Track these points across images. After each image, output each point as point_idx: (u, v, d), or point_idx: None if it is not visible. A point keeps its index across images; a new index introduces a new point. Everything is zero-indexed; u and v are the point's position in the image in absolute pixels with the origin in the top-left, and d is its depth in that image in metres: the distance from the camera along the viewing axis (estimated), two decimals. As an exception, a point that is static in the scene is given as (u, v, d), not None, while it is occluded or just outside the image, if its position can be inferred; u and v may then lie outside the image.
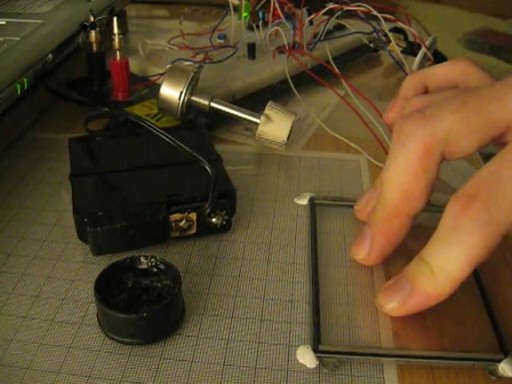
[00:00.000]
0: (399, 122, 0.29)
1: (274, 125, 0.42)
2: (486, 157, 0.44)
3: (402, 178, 0.28)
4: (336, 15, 0.56)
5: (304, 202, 0.38)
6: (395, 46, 0.57)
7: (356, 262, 0.33)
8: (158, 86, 0.44)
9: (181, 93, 0.43)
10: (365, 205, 0.35)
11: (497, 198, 0.25)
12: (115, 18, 0.48)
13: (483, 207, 0.25)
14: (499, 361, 0.27)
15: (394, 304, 0.28)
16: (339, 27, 0.59)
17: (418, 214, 0.30)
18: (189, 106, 0.44)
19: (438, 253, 0.27)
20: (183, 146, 0.36)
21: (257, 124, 0.43)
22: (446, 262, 0.26)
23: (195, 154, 0.36)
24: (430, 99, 0.32)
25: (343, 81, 0.47)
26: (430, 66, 0.58)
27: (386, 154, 0.41)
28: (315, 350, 0.27)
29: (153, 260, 0.30)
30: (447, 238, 0.26)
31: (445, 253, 0.26)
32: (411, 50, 0.59)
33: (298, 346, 0.28)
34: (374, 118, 0.44)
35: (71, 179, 0.36)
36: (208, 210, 0.33)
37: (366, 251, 0.31)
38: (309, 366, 0.27)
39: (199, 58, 0.52)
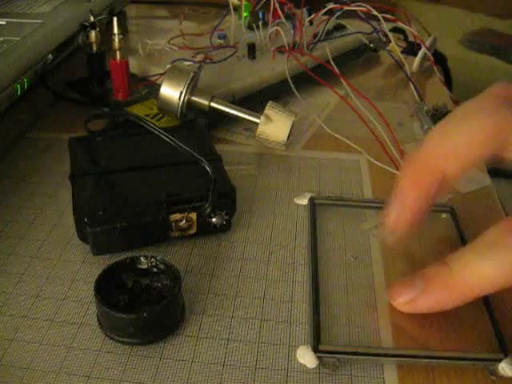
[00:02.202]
0: None
1: (274, 125, 0.42)
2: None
3: (456, 137, 0.27)
4: (336, 15, 0.56)
5: (304, 201, 0.38)
6: (395, 46, 0.57)
7: (356, 262, 0.33)
8: (158, 86, 0.44)
9: (181, 93, 0.43)
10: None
11: None
12: (115, 18, 0.48)
13: None
14: (499, 361, 0.27)
15: (402, 299, 0.28)
16: (339, 27, 0.59)
17: (449, 180, 0.28)
18: (189, 106, 0.44)
19: (466, 261, 0.26)
20: (183, 146, 0.36)
21: (257, 124, 0.43)
22: (470, 272, 0.26)
23: (195, 154, 0.36)
24: None
25: (343, 81, 0.47)
26: (429, 66, 0.58)
27: (386, 153, 0.41)
28: (315, 349, 0.27)
29: (153, 260, 0.30)
30: (483, 251, 0.26)
31: (473, 263, 0.26)
32: (411, 50, 0.60)
33: (298, 346, 0.28)
34: (374, 118, 0.44)
35: (71, 179, 0.36)
36: (208, 210, 0.33)
37: (395, 211, 0.29)
38: (309, 366, 0.27)
39: (199, 58, 0.52)
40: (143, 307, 0.28)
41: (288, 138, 0.42)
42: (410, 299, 0.28)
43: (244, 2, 0.61)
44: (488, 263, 0.25)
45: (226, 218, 0.34)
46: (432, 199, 0.29)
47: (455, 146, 0.27)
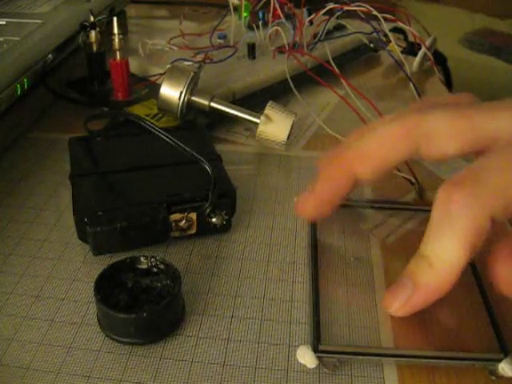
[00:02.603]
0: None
1: (274, 125, 0.42)
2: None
3: (367, 139, 0.30)
4: (336, 15, 0.56)
5: (304, 201, 0.38)
6: (395, 46, 0.57)
7: (356, 262, 0.33)
8: (158, 86, 0.44)
9: (181, 93, 0.43)
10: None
11: (483, 184, 0.25)
12: (115, 18, 0.48)
13: (470, 192, 0.25)
14: (499, 361, 0.26)
15: (398, 303, 0.28)
16: (339, 27, 0.59)
17: (362, 179, 0.30)
18: (189, 106, 0.44)
19: (433, 244, 0.27)
20: (183, 146, 0.36)
21: (257, 124, 0.43)
22: (442, 251, 0.26)
23: (195, 154, 0.36)
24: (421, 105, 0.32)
25: (343, 81, 0.47)
26: (429, 66, 0.58)
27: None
28: (315, 349, 0.27)
29: (153, 260, 0.30)
30: (439, 227, 0.26)
31: (439, 242, 0.26)
32: (411, 49, 0.60)
33: (298, 346, 0.28)
34: (374, 118, 0.44)
35: (71, 179, 0.36)
36: (208, 210, 0.33)
37: (309, 200, 0.32)
38: (309, 366, 0.27)
39: (199, 58, 0.52)
40: (143, 307, 0.28)
41: (288, 138, 0.42)
42: (405, 301, 0.28)
43: (244, 2, 0.61)
44: (450, 238, 0.26)
45: (226, 218, 0.34)
46: (342, 194, 0.31)
47: (366, 149, 0.30)
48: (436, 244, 0.27)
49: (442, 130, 0.28)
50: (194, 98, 0.44)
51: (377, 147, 0.29)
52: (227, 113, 0.44)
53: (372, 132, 0.30)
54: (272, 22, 0.56)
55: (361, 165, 0.30)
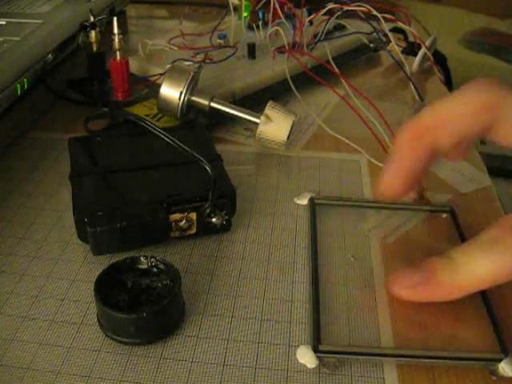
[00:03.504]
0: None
1: (274, 125, 0.42)
2: (487, 157, 0.45)
3: (445, 109, 0.29)
4: (336, 15, 0.56)
5: (304, 201, 0.38)
6: (395, 46, 0.57)
7: (356, 262, 0.33)
8: (158, 86, 0.44)
9: (181, 93, 0.43)
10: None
11: None
12: (115, 18, 0.48)
13: None
14: (499, 361, 0.27)
15: (404, 283, 0.29)
16: (339, 27, 0.59)
17: (438, 151, 0.29)
18: (189, 106, 0.44)
19: (470, 255, 0.27)
20: (183, 146, 0.36)
21: (257, 124, 0.43)
22: (474, 264, 0.26)
23: (195, 154, 0.36)
24: None
25: (343, 81, 0.47)
26: (429, 66, 0.58)
27: (386, 153, 0.41)
28: (315, 349, 0.27)
29: (153, 260, 0.30)
30: (486, 246, 0.26)
31: (477, 256, 0.26)
32: (411, 49, 0.59)
33: (298, 346, 0.28)
34: (374, 118, 0.44)
35: (71, 179, 0.36)
36: (208, 210, 0.33)
37: (390, 177, 0.30)
38: (309, 365, 0.27)
39: (199, 58, 0.52)
40: (143, 307, 0.28)
41: (288, 137, 0.42)
42: (411, 285, 0.28)
43: (244, 2, 0.61)
44: (491, 259, 0.26)
45: (226, 218, 0.34)
46: (424, 168, 0.30)
47: (449, 115, 0.28)
48: (473, 256, 0.27)
49: None
50: (194, 98, 0.44)
51: (460, 115, 0.28)
52: (227, 113, 0.44)
53: (453, 100, 0.29)
54: (272, 22, 0.56)
55: (444, 134, 0.29)
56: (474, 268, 0.26)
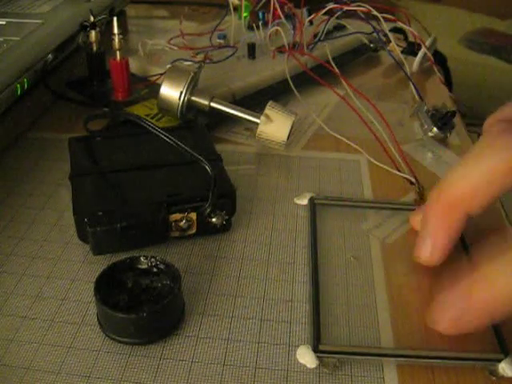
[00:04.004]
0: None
1: (274, 125, 0.42)
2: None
3: (477, 175, 0.28)
4: (336, 15, 0.56)
5: (304, 201, 0.38)
6: (395, 46, 0.57)
7: (356, 262, 0.33)
8: (158, 86, 0.44)
9: (181, 93, 0.43)
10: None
11: None
12: (115, 18, 0.48)
13: None
14: (499, 361, 0.27)
15: (448, 322, 0.27)
16: (339, 27, 0.59)
17: (471, 216, 0.29)
18: (189, 106, 0.44)
19: (500, 270, 0.26)
20: (183, 145, 0.36)
21: (257, 124, 0.43)
22: (505, 278, 0.26)
23: (195, 154, 0.36)
24: None
25: (343, 81, 0.47)
26: (429, 66, 0.58)
27: (386, 153, 0.41)
28: (315, 349, 0.27)
29: (153, 260, 0.30)
30: (502, 267, 0.26)
31: (506, 271, 0.26)
32: (411, 49, 0.59)
33: (298, 346, 0.28)
34: (374, 118, 0.44)
35: (71, 179, 0.36)
36: (208, 210, 0.33)
37: (428, 251, 0.31)
38: (309, 366, 0.27)
39: (199, 58, 0.52)
40: (143, 307, 0.28)
41: (288, 137, 0.42)
42: (455, 320, 0.27)
43: (244, 2, 0.61)
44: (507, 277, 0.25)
45: (226, 218, 0.34)
46: (458, 234, 0.30)
47: (478, 185, 0.28)
48: (503, 271, 0.26)
49: None
50: (193, 98, 0.44)
51: (489, 183, 0.28)
52: (227, 113, 0.44)
53: (479, 165, 0.28)
54: (272, 22, 0.56)
55: (476, 203, 0.28)
56: (505, 287, 0.26)
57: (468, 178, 0.28)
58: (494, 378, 0.26)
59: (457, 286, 0.27)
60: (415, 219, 0.34)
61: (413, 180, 0.39)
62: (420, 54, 0.57)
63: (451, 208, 0.29)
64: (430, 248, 0.31)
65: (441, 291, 0.28)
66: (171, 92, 0.43)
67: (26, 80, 0.44)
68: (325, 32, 0.56)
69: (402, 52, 0.58)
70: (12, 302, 0.30)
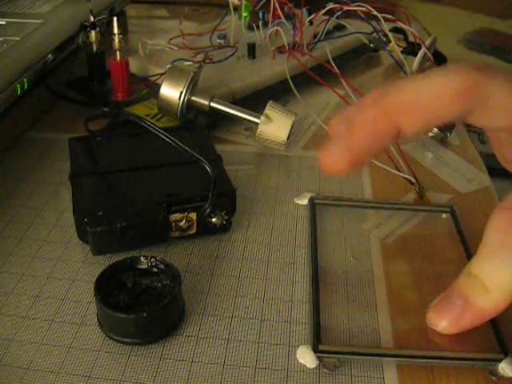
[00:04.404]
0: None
1: (274, 125, 0.42)
2: (487, 157, 0.45)
3: (424, 89, 0.25)
4: (336, 15, 0.56)
5: (304, 201, 0.38)
6: (395, 46, 0.57)
7: (356, 262, 0.33)
8: (158, 86, 0.44)
9: (181, 93, 0.43)
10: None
11: None
12: (115, 18, 0.48)
13: None
14: (499, 361, 0.27)
15: (446, 322, 0.28)
16: (339, 27, 0.59)
17: (402, 135, 0.25)
18: (189, 106, 0.44)
19: (490, 268, 0.26)
20: (183, 145, 0.36)
21: (257, 124, 0.43)
22: (500, 278, 0.26)
23: (195, 154, 0.36)
24: None
25: (343, 81, 0.47)
26: (429, 66, 0.58)
27: (386, 153, 0.41)
28: (315, 349, 0.27)
29: (153, 260, 0.30)
30: (497, 253, 0.26)
31: (497, 268, 0.26)
32: (411, 50, 0.59)
33: (298, 346, 0.28)
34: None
35: (71, 179, 0.36)
36: (208, 210, 0.33)
37: (338, 151, 0.25)
38: (309, 366, 0.27)
39: (199, 58, 0.52)
40: (143, 307, 0.28)
41: (288, 137, 0.42)
42: (456, 318, 0.27)
43: (244, 2, 0.61)
44: (509, 266, 0.25)
45: (226, 218, 0.34)
46: (380, 147, 0.26)
47: (417, 98, 0.25)
48: (493, 269, 0.26)
49: (500, 101, 0.24)
50: (194, 98, 0.44)
51: (429, 98, 0.24)
52: (227, 113, 0.44)
53: (425, 78, 0.25)
54: (272, 22, 0.56)
55: (408, 115, 0.24)
56: (502, 281, 0.26)
57: (413, 89, 0.25)
58: (494, 378, 0.26)
59: (455, 285, 0.27)
60: (335, 123, 0.28)
61: (413, 180, 0.39)
62: (420, 54, 0.57)
63: (385, 114, 0.25)
64: (342, 149, 0.25)
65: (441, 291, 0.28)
66: (171, 92, 0.43)
67: (26, 80, 0.44)
68: (325, 32, 0.56)
69: (402, 52, 0.58)
70: (12, 302, 0.30)
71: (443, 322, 0.28)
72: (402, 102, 0.25)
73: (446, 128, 0.45)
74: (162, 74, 0.48)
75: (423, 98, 0.24)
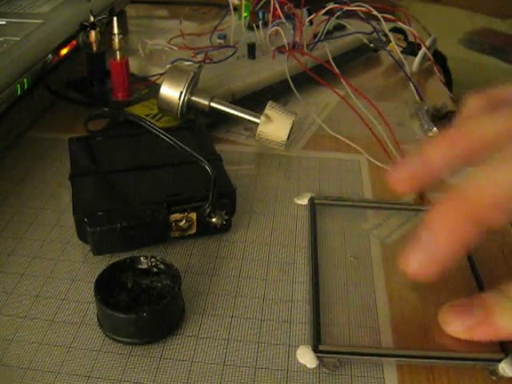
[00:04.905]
0: None
1: (274, 125, 0.42)
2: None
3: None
4: (336, 15, 0.56)
5: (304, 201, 0.38)
6: (395, 46, 0.57)
7: (356, 262, 0.33)
8: (158, 86, 0.44)
9: (181, 93, 0.43)
10: (410, 175, 0.28)
11: None
12: (115, 18, 0.48)
13: None
14: (499, 361, 0.26)
15: (459, 326, 0.27)
16: (339, 27, 0.59)
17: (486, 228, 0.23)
18: (189, 106, 0.44)
19: None
20: (183, 146, 0.36)
21: (257, 124, 0.43)
22: None
23: (195, 154, 0.36)
24: None
25: (343, 81, 0.47)
26: (429, 66, 0.58)
27: (386, 153, 0.41)
28: (315, 349, 0.27)
29: (153, 260, 0.30)
30: None
31: None
32: (411, 50, 0.60)
33: (298, 346, 0.28)
34: (374, 118, 0.44)
35: (71, 179, 0.36)
36: (208, 210, 0.33)
37: (422, 260, 0.25)
38: (309, 366, 0.27)
39: (199, 58, 0.52)
40: (143, 307, 0.28)
41: (288, 138, 0.42)
42: (470, 327, 0.27)
43: (244, 2, 0.61)
44: None
45: (226, 218, 0.34)
46: (462, 254, 0.24)
47: (505, 192, 0.22)
48: None
49: None
50: (194, 98, 0.44)
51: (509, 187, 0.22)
52: (227, 113, 0.44)
53: (493, 168, 0.22)
54: (272, 22, 0.56)
55: (500, 216, 0.23)
56: None
57: (501, 185, 0.22)
58: (494, 378, 0.26)
59: (482, 296, 0.27)
60: (396, 176, 0.27)
61: (413, 180, 0.39)
62: (420, 54, 0.57)
63: (472, 218, 0.23)
64: (427, 258, 0.25)
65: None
66: (171, 92, 0.43)
67: (26, 80, 0.44)
68: (325, 32, 0.56)
69: (402, 52, 0.58)
70: (12, 302, 0.30)
71: (456, 324, 0.27)
72: (490, 202, 0.22)
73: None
74: (162, 74, 0.48)
75: (503, 190, 0.22)
